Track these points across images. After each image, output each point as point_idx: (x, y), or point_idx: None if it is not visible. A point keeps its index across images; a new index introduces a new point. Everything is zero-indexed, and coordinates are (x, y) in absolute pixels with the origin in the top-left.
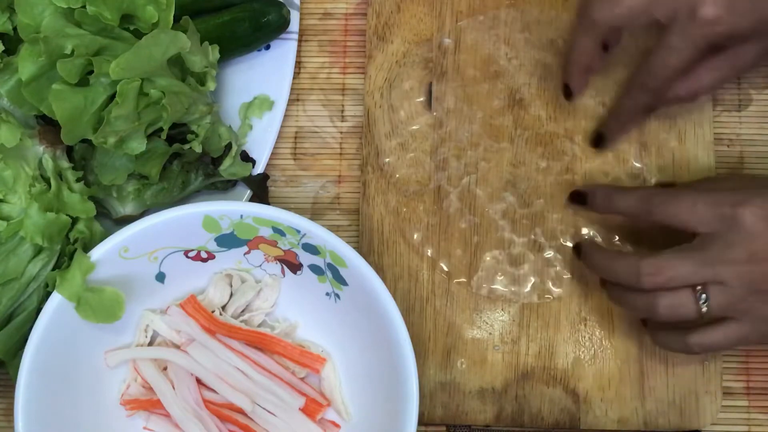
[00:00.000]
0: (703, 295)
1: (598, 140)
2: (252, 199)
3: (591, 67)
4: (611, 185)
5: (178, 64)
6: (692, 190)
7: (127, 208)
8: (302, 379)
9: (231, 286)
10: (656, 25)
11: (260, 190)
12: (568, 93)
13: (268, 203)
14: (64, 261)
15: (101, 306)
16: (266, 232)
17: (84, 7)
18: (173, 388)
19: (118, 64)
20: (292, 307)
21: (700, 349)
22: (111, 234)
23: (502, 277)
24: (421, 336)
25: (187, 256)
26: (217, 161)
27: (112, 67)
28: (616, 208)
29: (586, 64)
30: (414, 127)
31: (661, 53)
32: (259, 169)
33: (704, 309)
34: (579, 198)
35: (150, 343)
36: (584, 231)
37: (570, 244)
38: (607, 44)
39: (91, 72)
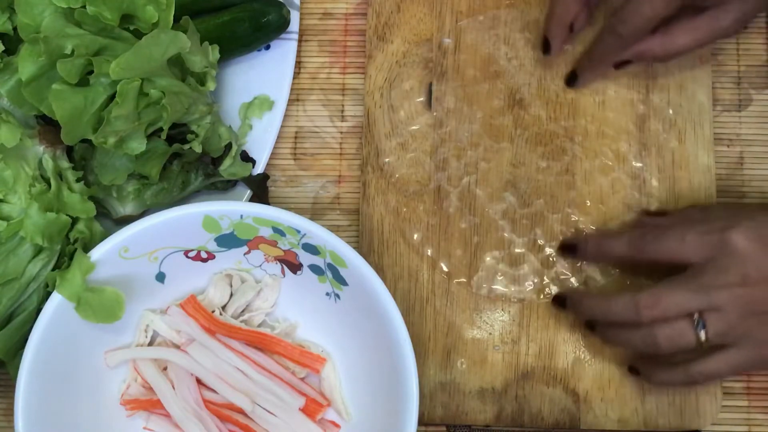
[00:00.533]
0: (701, 323)
1: (571, 79)
2: (252, 199)
3: (573, 24)
4: (599, 232)
5: (178, 64)
6: (680, 223)
7: (127, 208)
8: (302, 379)
9: (231, 286)
10: None
11: (260, 190)
12: (546, 48)
13: (268, 203)
14: (64, 261)
15: (101, 306)
16: (266, 232)
17: (84, 7)
18: (173, 388)
19: (118, 64)
20: (292, 307)
21: (703, 378)
22: (111, 234)
23: (502, 277)
24: (421, 336)
25: (187, 256)
26: (217, 161)
27: (112, 67)
28: (608, 255)
29: (568, 21)
30: (414, 127)
31: (635, 1)
32: (259, 169)
33: (703, 337)
34: (569, 249)
35: (150, 343)
36: (584, 232)
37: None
38: (590, 2)
39: (91, 72)
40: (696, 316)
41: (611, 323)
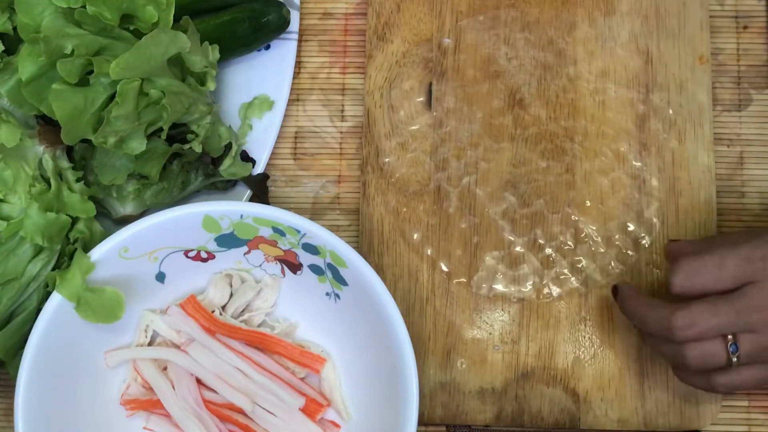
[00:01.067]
0: (734, 345)
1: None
2: (252, 199)
3: None
4: (642, 299)
5: (178, 64)
6: (710, 253)
7: (127, 208)
8: (302, 379)
9: (231, 286)
10: None
11: (260, 190)
12: None
13: (268, 203)
14: (64, 261)
15: (101, 306)
16: (266, 232)
17: (84, 7)
18: (173, 388)
19: (118, 64)
20: (292, 307)
21: (725, 390)
22: (111, 234)
23: (502, 277)
24: (421, 336)
25: (187, 256)
26: (217, 161)
27: (112, 67)
28: (639, 323)
29: None
30: (414, 127)
31: None
32: (259, 169)
33: (735, 359)
34: (615, 291)
35: (150, 343)
36: (583, 232)
37: (571, 245)
38: None
39: (91, 72)
40: (730, 337)
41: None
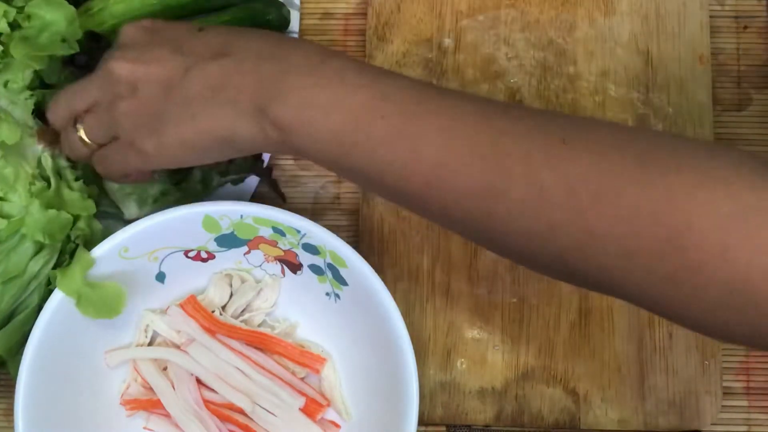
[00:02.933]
0: (78, 125)
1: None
2: (270, 186)
3: None
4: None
5: None
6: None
7: (144, 212)
8: (302, 379)
9: (231, 286)
10: None
11: (271, 180)
12: None
13: (281, 192)
14: (65, 259)
15: (102, 301)
16: (266, 232)
17: None
18: (173, 388)
19: None
20: (292, 307)
21: (104, 171)
22: (111, 232)
23: (501, 277)
24: (421, 336)
25: (187, 256)
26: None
27: None
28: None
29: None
30: None
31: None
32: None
33: (87, 139)
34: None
35: (150, 343)
36: None
37: None
38: None
39: None
40: (78, 124)
41: None
